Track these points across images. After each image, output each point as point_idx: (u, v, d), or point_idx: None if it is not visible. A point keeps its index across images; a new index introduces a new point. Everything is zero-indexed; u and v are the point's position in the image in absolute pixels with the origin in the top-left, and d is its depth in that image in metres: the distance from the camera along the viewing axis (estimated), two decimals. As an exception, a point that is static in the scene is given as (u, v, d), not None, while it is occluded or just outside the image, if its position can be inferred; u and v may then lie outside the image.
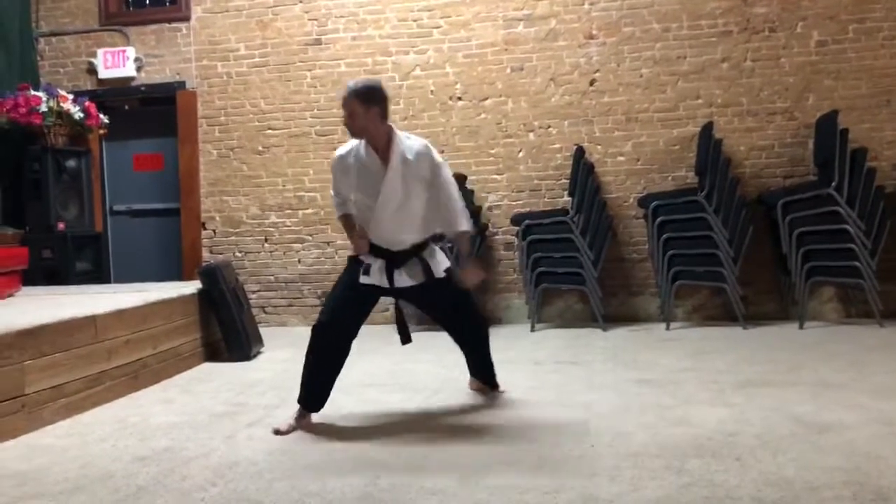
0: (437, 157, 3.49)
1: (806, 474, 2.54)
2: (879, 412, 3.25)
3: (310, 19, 6.75)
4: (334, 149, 6.62)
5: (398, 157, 3.38)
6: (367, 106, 3.31)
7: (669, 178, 6.28)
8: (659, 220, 5.90)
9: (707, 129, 5.95)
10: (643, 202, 6.10)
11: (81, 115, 6.53)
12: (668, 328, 5.85)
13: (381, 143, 3.40)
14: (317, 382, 3.46)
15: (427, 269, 3.52)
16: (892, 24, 5.97)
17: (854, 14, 6.01)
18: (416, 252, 3.52)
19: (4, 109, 6.27)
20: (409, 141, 3.45)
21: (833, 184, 5.49)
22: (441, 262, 3.60)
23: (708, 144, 5.84)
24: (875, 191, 5.58)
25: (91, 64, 7.10)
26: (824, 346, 4.91)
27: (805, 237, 5.63)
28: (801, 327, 5.63)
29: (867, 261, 5.48)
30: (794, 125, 6.11)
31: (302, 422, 3.41)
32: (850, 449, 2.78)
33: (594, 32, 6.35)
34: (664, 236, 5.88)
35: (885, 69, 5.98)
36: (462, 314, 3.75)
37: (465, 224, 3.55)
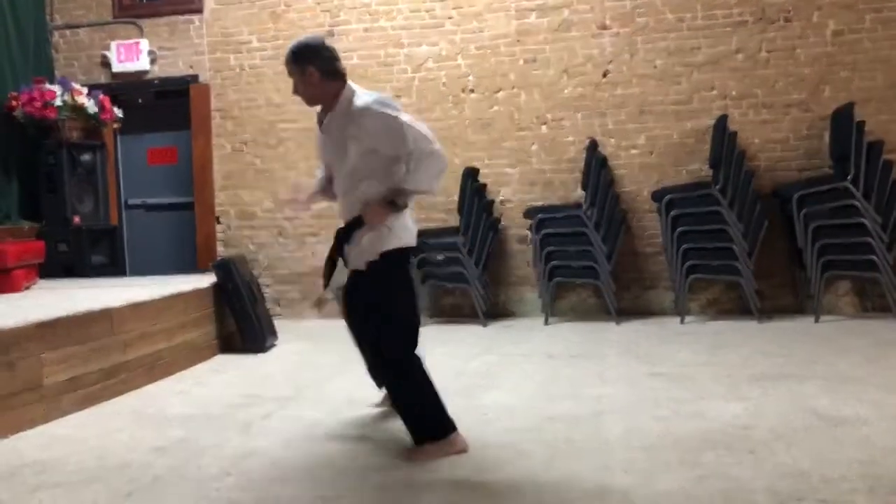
0: (386, 114, 2.86)
1: (822, 467, 2.53)
2: (895, 407, 3.22)
3: (322, 11, 6.75)
4: (347, 142, 6.71)
5: (334, 116, 2.98)
6: (302, 67, 2.97)
7: (683, 171, 6.25)
8: (673, 213, 5.87)
9: (721, 121, 5.91)
10: (657, 195, 6.07)
11: (96, 109, 6.56)
12: (682, 322, 5.83)
13: (328, 105, 3.02)
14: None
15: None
16: (911, 14, 5.91)
17: (871, 3, 5.94)
18: (353, 228, 3.00)
19: (20, 103, 6.31)
20: (358, 99, 2.94)
21: (849, 177, 5.45)
22: (366, 250, 2.95)
23: (722, 137, 5.81)
24: (892, 184, 5.52)
25: (105, 57, 7.13)
26: (840, 340, 4.88)
27: (821, 231, 5.59)
28: (816, 321, 5.59)
29: (884, 254, 5.43)
30: (810, 117, 6.06)
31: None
32: (866, 442, 2.76)
33: (608, 23, 6.32)
34: (678, 230, 5.85)
35: (902, 60, 5.92)
36: (370, 340, 3.06)
37: (414, 182, 2.88)
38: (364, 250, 2.94)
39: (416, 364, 2.92)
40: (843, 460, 2.58)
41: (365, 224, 2.93)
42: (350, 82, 3.03)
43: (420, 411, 2.92)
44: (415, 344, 2.95)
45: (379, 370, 3.30)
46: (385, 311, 2.92)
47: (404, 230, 2.98)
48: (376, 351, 3.00)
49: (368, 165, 2.91)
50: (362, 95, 2.96)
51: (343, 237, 3.04)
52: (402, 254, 2.99)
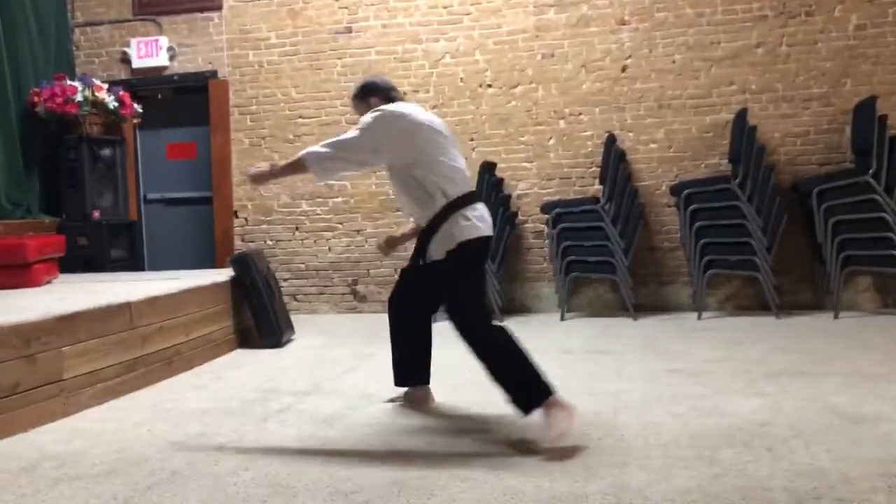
0: (371, 116, 3.18)
1: (840, 465, 2.50)
2: (917, 404, 3.19)
3: (340, 7, 6.76)
4: (364, 137, 6.72)
5: None
6: (367, 101, 3.35)
7: (702, 165, 6.21)
8: (691, 208, 5.84)
9: (741, 115, 5.87)
10: (675, 190, 6.04)
11: (116, 104, 6.62)
12: (699, 318, 5.79)
13: None
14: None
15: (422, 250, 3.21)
16: (934, 7, 5.83)
17: (894, -3, 5.87)
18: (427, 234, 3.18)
19: (42, 99, 6.37)
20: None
21: (871, 171, 5.39)
22: (436, 246, 3.14)
23: (742, 131, 5.76)
24: (914, 178, 5.46)
25: (125, 53, 7.19)
26: (860, 336, 4.83)
27: (841, 225, 5.53)
28: (836, 317, 5.54)
29: (906, 249, 5.37)
30: (831, 111, 6.00)
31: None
32: (886, 440, 2.73)
33: (626, 18, 6.28)
34: (696, 224, 5.81)
35: (925, 53, 5.84)
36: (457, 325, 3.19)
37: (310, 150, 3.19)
38: (445, 239, 3.10)
39: (506, 333, 3.06)
40: (863, 458, 2.56)
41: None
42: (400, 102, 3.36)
43: (522, 376, 2.97)
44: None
45: (408, 366, 3.51)
46: (468, 295, 3.16)
47: (481, 221, 3.16)
48: (466, 333, 3.12)
49: (404, 180, 3.22)
50: (388, 106, 3.28)
51: (424, 238, 3.21)
52: (479, 242, 3.16)
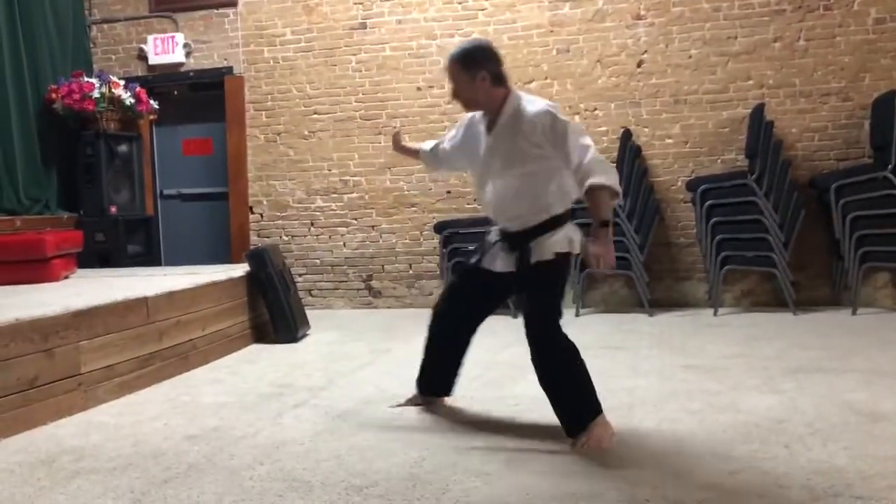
0: (559, 122, 2.83)
1: (858, 463, 2.48)
2: (936, 401, 3.16)
3: (355, 3, 6.76)
4: (379, 133, 6.75)
5: (502, 124, 2.94)
6: (472, 72, 2.92)
7: (718, 160, 6.17)
8: (707, 203, 5.80)
9: (758, 110, 5.82)
10: (691, 185, 6.00)
11: (132, 100, 6.67)
12: (715, 314, 5.76)
13: (494, 110, 2.98)
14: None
15: (523, 257, 2.97)
16: (955, 0, 5.75)
17: (914, -10, 5.80)
18: (529, 236, 2.95)
19: (59, 96, 6.42)
20: (528, 106, 2.91)
21: (889, 166, 5.33)
22: (552, 245, 2.92)
23: (759, 126, 5.72)
24: (934, 174, 5.40)
25: (141, 50, 7.23)
26: (878, 333, 4.79)
27: (859, 221, 5.48)
28: (853, 313, 5.49)
29: (925, 246, 5.31)
30: (850, 106, 5.94)
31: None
32: (904, 438, 2.71)
33: (642, 13, 6.24)
34: (713, 220, 5.78)
35: (946, 47, 5.77)
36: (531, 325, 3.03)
37: (599, 177, 2.73)
38: (555, 244, 2.92)
39: (573, 346, 2.96)
40: (881, 456, 2.54)
41: (589, 247, 2.84)
42: (515, 88, 3.03)
43: (578, 393, 2.92)
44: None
45: (441, 376, 3.38)
46: (553, 301, 2.99)
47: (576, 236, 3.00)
48: (541, 341, 2.97)
49: (543, 168, 2.88)
50: (533, 101, 2.95)
51: (524, 238, 2.97)
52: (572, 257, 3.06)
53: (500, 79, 2.96)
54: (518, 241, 2.99)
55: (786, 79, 6.02)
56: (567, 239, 2.94)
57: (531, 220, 2.94)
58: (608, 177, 2.74)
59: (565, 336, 2.94)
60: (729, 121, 6.14)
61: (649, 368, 4.01)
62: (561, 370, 2.93)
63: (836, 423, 2.93)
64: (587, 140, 2.82)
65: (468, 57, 2.95)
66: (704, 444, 2.75)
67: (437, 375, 3.40)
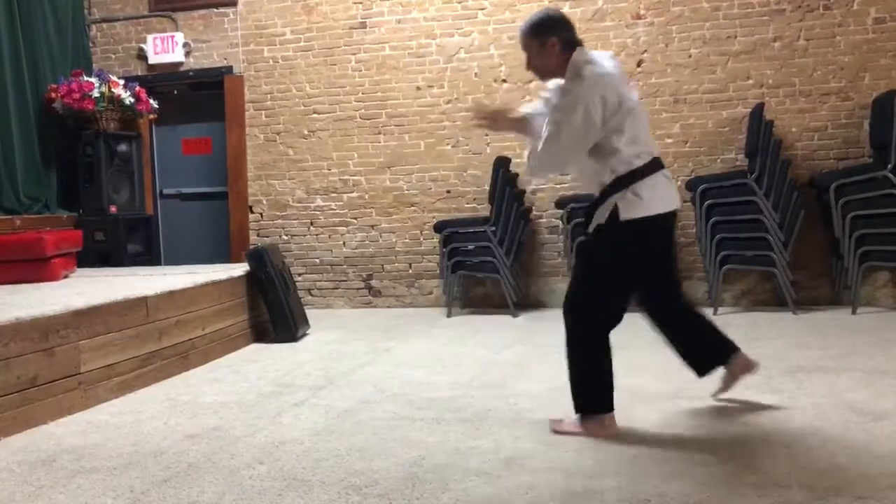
0: (573, 87, 2.82)
1: (859, 462, 2.48)
2: (936, 400, 3.16)
3: (354, 3, 6.76)
4: (378, 132, 6.76)
5: (561, 84, 2.93)
6: (543, 39, 2.90)
7: (718, 160, 6.17)
8: (707, 203, 5.80)
9: (758, 110, 5.82)
10: (691, 185, 6.00)
11: (132, 100, 6.67)
12: (715, 313, 5.76)
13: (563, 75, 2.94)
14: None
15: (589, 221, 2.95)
16: (955, -1, 5.76)
17: (914, -10, 5.81)
18: (599, 200, 2.92)
19: (59, 95, 6.42)
20: (584, 64, 2.86)
21: (889, 166, 5.33)
22: (596, 218, 2.90)
23: (758, 126, 5.71)
24: (934, 173, 5.40)
25: (141, 49, 7.23)
26: (878, 333, 4.79)
27: (859, 220, 5.48)
28: (853, 313, 5.50)
29: (924, 245, 5.31)
30: (849, 106, 5.94)
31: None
32: (904, 437, 2.71)
33: (642, 12, 6.24)
34: (712, 220, 5.78)
35: (946, 47, 5.77)
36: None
37: (530, 152, 2.93)
38: (601, 214, 2.89)
39: (597, 338, 2.95)
40: (882, 455, 2.54)
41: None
42: (584, 52, 2.92)
43: (578, 379, 2.98)
44: (610, 319, 2.98)
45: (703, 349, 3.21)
46: (588, 282, 2.96)
47: (657, 197, 2.88)
48: (565, 308, 2.98)
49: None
50: (583, 68, 2.84)
51: (590, 210, 2.97)
52: (647, 223, 2.87)
53: (571, 44, 2.91)
54: (587, 212, 3.00)
55: (785, 78, 6.03)
56: (607, 211, 2.85)
57: (592, 187, 2.97)
58: (532, 160, 2.92)
59: (588, 323, 2.94)
60: (728, 120, 6.14)
61: (649, 367, 4.00)
62: (568, 353, 2.99)
63: (836, 423, 2.93)
64: (564, 121, 2.80)
65: (538, 25, 2.93)
66: (704, 444, 2.75)
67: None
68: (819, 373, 3.76)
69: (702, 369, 3.24)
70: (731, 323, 5.37)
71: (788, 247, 5.64)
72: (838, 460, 2.52)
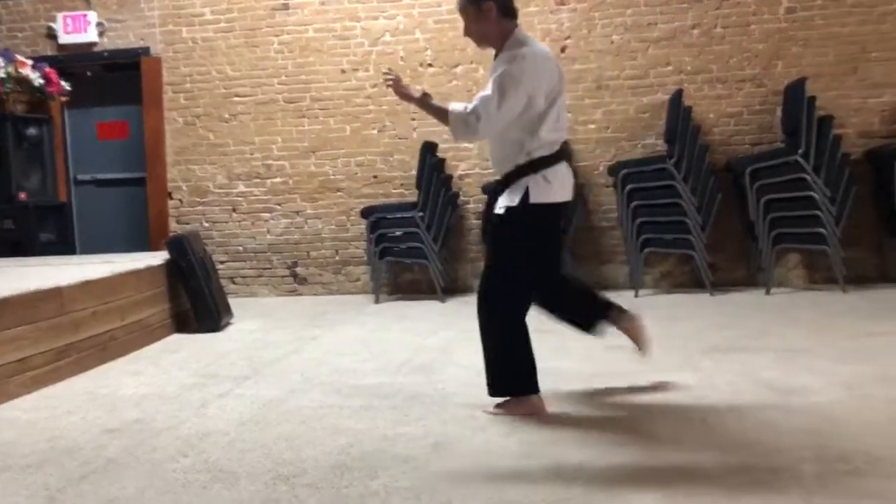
0: (508, 67, 2.86)
1: (772, 436, 2.59)
2: (842, 376, 3.31)
3: (276, -17, 6.62)
4: (303, 116, 6.65)
5: (499, 56, 2.95)
6: (479, 3, 2.92)
7: (639, 145, 6.30)
8: (628, 187, 5.92)
9: (677, 96, 5.96)
10: (613, 170, 6.12)
11: (41, 81, 6.38)
12: (636, 295, 5.90)
13: (501, 44, 2.98)
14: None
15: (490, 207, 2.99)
16: (860, -9, 6.01)
17: (823, -19, 6.03)
18: (500, 188, 2.97)
19: (-39, 76, 6.10)
20: (512, 50, 2.93)
21: (800, 151, 5.55)
22: (503, 200, 2.93)
23: (677, 112, 5.86)
24: (841, 158, 5.64)
25: (51, 28, 6.91)
26: (790, 312, 4.99)
27: (772, 204, 5.69)
28: (767, 293, 5.71)
29: (832, 227, 5.56)
30: (763, 92, 6.15)
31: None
32: (814, 412, 2.83)
33: (565, -2, 6.31)
34: (633, 204, 5.91)
35: (851, 37, 6.02)
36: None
37: (456, 108, 2.95)
38: (506, 198, 2.92)
39: (519, 321, 2.97)
40: (793, 430, 2.65)
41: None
42: (523, 30, 3.01)
43: (500, 363, 2.98)
44: (525, 302, 3.01)
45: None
46: (500, 261, 2.98)
47: (560, 185, 2.97)
48: (480, 295, 3.02)
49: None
50: (527, 46, 2.93)
51: (495, 192, 3.01)
52: (553, 209, 2.98)
53: (508, 10, 2.97)
54: (493, 191, 3.03)
55: (703, 65, 6.19)
56: (519, 193, 2.89)
57: (502, 167, 2.98)
58: (456, 117, 2.91)
59: (508, 308, 2.97)
60: (649, 106, 6.27)
61: (575, 350, 4.07)
62: (491, 339, 3.01)
63: (751, 400, 3.04)
64: (496, 93, 2.84)
65: None
66: (627, 424, 2.82)
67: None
68: (735, 352, 3.90)
69: (588, 325, 3.34)
70: (652, 304, 5.52)
71: (706, 230, 5.82)
72: (752, 435, 2.62)
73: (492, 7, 2.93)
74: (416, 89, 3.13)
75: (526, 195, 2.88)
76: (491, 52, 3.11)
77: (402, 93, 3.11)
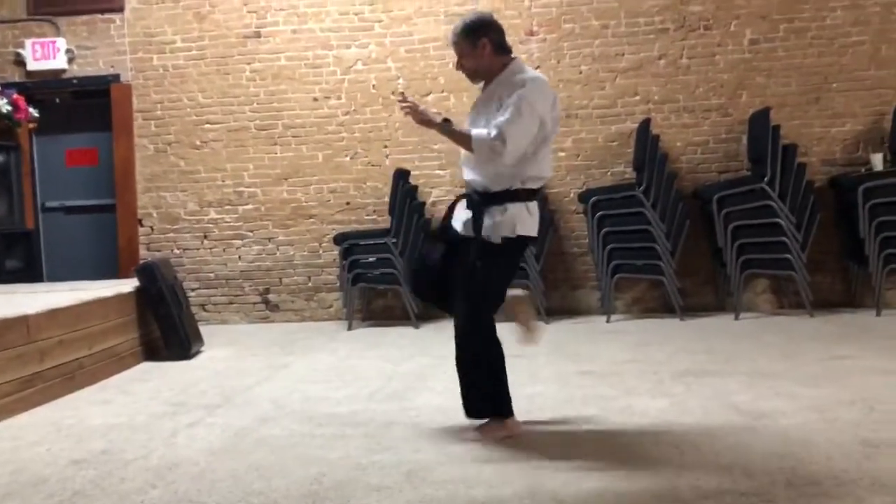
0: (525, 93, 2.88)
1: (743, 461, 2.61)
2: (811, 400, 3.36)
3: (249, 12, 6.64)
4: (275, 143, 6.65)
5: (495, 82, 3.01)
6: (474, 40, 2.99)
7: (608, 173, 6.38)
8: (598, 214, 5.99)
9: (644, 125, 6.06)
10: (583, 197, 6.18)
11: (9, 108, 6.31)
12: (608, 321, 5.94)
13: (494, 77, 3.04)
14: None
15: (477, 223, 2.96)
16: (820, 24, 6.18)
17: (784, 14, 6.20)
18: (483, 203, 2.97)
19: (-74, 102, 6.02)
20: (523, 72, 3.00)
21: (766, 178, 5.66)
22: (499, 225, 2.94)
23: (645, 140, 5.95)
24: (805, 185, 5.77)
25: (18, 55, 6.86)
26: (759, 337, 5.06)
27: (739, 230, 5.78)
28: (736, 318, 5.79)
29: (798, 253, 5.66)
30: (729, 121, 6.28)
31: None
32: (784, 435, 2.87)
33: (535, 28, 6.41)
34: (603, 230, 5.97)
35: (813, 67, 6.18)
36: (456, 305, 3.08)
37: (479, 134, 2.92)
38: (504, 225, 2.95)
39: (495, 347, 3.05)
40: (763, 453, 2.67)
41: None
42: (520, 59, 3.10)
43: (491, 390, 3.03)
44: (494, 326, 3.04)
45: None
46: (486, 286, 2.99)
47: (535, 220, 3.05)
48: (462, 322, 3.04)
49: None
50: (531, 72, 3.03)
51: (480, 205, 2.99)
52: (529, 242, 3.12)
53: (502, 47, 3.04)
54: (477, 204, 2.99)
55: (670, 94, 6.31)
56: (513, 223, 2.95)
57: (490, 185, 2.98)
58: (481, 142, 2.90)
59: (486, 335, 3.02)
60: (617, 134, 6.37)
61: (547, 375, 4.09)
62: (472, 365, 3.06)
63: (722, 424, 3.07)
64: (518, 116, 2.85)
65: (470, 25, 3.02)
66: (599, 448, 2.83)
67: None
68: (706, 376, 3.93)
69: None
70: (624, 330, 5.57)
71: (675, 256, 5.89)
72: (725, 459, 2.64)
73: (486, 43, 2.99)
74: (436, 115, 3.13)
75: (514, 227, 2.95)
76: (469, 84, 3.15)
77: (422, 119, 3.09)
